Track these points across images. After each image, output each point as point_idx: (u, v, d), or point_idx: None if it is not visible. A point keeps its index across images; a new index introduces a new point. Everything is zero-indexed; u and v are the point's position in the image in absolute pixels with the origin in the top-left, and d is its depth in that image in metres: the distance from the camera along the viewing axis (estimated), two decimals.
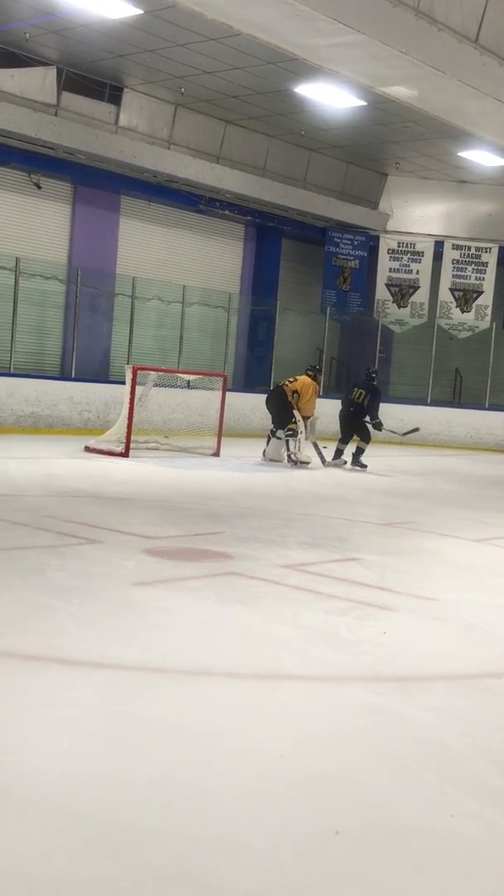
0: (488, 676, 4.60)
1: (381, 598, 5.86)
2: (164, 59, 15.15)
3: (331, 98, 15.78)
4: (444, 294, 21.58)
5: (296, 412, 13.25)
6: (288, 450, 13.45)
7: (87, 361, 17.49)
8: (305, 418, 13.35)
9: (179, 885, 2.51)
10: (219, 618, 5.21)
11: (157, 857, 2.64)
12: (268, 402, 14.03)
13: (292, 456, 13.36)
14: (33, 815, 2.83)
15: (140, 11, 12.84)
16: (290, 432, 13.36)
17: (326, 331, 21.11)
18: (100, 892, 2.45)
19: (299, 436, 13.31)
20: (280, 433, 13.52)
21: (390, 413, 20.20)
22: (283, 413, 13.41)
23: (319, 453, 13.67)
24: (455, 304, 21.55)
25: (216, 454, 13.91)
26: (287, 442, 13.45)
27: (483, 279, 21.49)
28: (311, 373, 13.84)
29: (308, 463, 13.32)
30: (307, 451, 13.48)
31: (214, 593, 5.70)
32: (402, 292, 21.57)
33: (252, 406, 17.65)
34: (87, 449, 13.34)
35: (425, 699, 4.18)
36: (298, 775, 3.26)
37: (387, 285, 21.63)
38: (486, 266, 21.48)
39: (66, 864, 2.57)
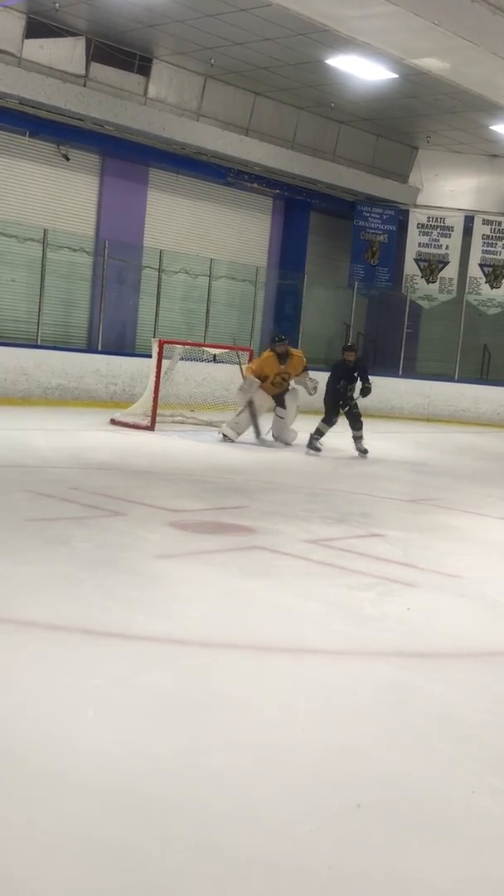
0: None
1: (405, 575, 5.86)
2: (194, 30, 15.02)
3: (362, 70, 15.61)
4: (474, 269, 21.37)
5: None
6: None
7: (113, 334, 17.51)
8: (244, 378, 12.55)
9: (201, 855, 2.54)
10: (242, 591, 5.23)
11: (180, 827, 2.67)
12: None
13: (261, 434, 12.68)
14: (57, 784, 2.86)
15: None
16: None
17: (354, 306, 20.98)
18: (123, 861, 2.48)
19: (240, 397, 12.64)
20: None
21: (418, 389, 20.19)
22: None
23: (255, 425, 12.71)
24: (484, 279, 21.35)
25: (263, 430, 13.86)
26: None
27: None
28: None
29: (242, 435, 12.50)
30: (244, 419, 12.58)
31: (238, 567, 5.72)
32: (430, 267, 21.39)
33: None
34: (113, 422, 13.38)
35: (448, 675, 4.18)
36: (320, 748, 3.28)
37: (415, 260, 21.45)
38: None
39: (89, 833, 2.61)
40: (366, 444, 12.12)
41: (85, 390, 15.96)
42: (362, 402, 12.26)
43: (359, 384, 12.23)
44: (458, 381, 20.81)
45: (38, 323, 16.15)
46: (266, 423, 12.83)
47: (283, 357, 12.47)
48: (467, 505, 8.99)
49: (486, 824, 2.87)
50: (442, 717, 3.64)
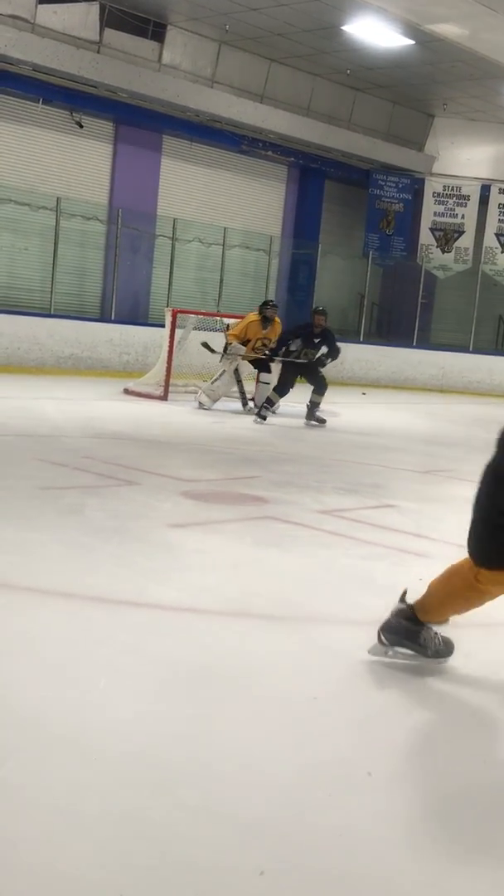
0: None
1: (418, 545, 5.85)
2: None
3: (378, 36, 15.44)
4: (490, 239, 21.21)
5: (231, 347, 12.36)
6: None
7: (126, 303, 17.47)
8: (228, 345, 12.39)
9: (212, 821, 2.55)
10: (254, 561, 5.24)
11: (191, 794, 2.68)
12: None
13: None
14: (69, 752, 2.88)
15: None
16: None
17: (368, 275, 20.86)
18: (134, 828, 2.50)
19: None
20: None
21: (432, 360, 20.09)
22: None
23: (241, 392, 12.53)
24: (500, 249, 21.18)
25: (253, 399, 13.87)
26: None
27: None
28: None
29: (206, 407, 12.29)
30: (221, 386, 12.42)
31: (250, 536, 5.73)
32: (446, 237, 21.22)
33: None
34: (126, 391, 13.38)
35: (460, 646, 4.18)
36: (331, 718, 3.29)
37: (431, 230, 21.30)
38: None
39: (101, 800, 2.62)
40: (324, 413, 11.71)
41: (98, 360, 15.95)
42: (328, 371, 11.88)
43: (323, 349, 11.81)
44: (472, 352, 20.72)
45: (52, 292, 16.13)
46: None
47: (267, 321, 12.27)
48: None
49: (497, 795, 2.87)
50: (455, 687, 3.65)
